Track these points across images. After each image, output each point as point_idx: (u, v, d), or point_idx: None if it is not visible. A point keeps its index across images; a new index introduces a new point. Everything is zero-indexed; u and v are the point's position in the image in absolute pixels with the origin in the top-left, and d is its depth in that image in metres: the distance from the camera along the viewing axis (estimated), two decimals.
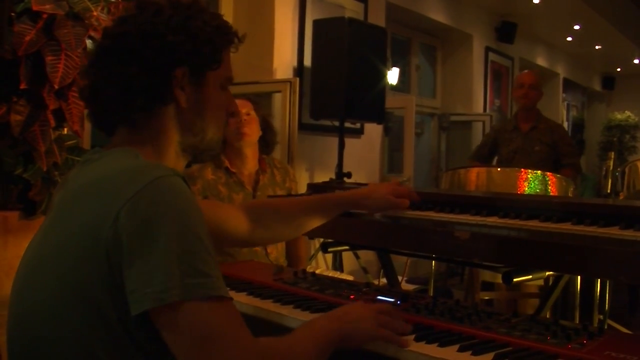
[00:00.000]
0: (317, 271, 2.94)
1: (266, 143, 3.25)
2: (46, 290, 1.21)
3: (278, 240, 2.38)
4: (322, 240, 4.15)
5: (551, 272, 1.84)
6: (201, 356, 1.14)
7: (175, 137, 1.37)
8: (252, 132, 3.14)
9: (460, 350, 1.31)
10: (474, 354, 1.29)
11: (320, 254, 4.74)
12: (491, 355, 1.28)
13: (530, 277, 1.65)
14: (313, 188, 2.35)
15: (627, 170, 3.52)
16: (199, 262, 1.15)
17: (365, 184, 2.06)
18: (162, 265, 1.12)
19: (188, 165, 1.50)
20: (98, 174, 1.27)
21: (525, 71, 5.07)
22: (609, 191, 3.46)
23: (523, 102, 4.67)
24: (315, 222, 1.85)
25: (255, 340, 1.20)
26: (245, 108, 3.13)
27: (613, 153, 3.54)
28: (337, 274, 3.97)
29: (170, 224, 1.14)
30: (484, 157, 4.93)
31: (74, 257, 1.18)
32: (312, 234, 1.99)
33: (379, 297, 1.70)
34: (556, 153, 4.58)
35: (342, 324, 1.34)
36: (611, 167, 3.46)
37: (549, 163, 4.50)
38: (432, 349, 1.32)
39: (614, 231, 1.51)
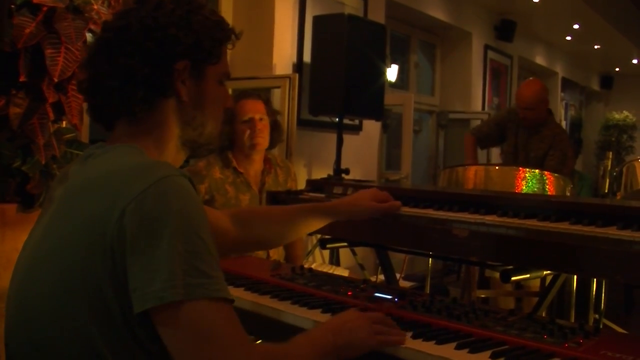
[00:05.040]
0: (314, 265, 2.94)
1: (271, 141, 3.23)
2: (48, 284, 1.21)
3: (264, 247, 2.38)
4: (319, 236, 4.16)
5: (548, 271, 1.85)
6: (199, 357, 1.14)
7: (175, 131, 1.38)
8: (265, 140, 3.13)
9: (458, 348, 1.32)
10: (471, 352, 1.30)
11: (317, 249, 4.75)
12: (488, 353, 1.29)
13: (528, 275, 1.65)
14: (312, 184, 2.35)
15: (624, 170, 3.53)
16: (201, 262, 1.16)
17: (366, 181, 2.07)
18: (165, 265, 1.12)
19: (186, 161, 1.50)
20: (103, 169, 1.27)
21: (527, 82, 4.79)
22: (606, 191, 3.46)
23: (525, 123, 4.58)
24: (302, 231, 1.85)
25: (253, 345, 1.22)
26: (258, 113, 3.10)
27: (611, 153, 3.55)
28: (332, 268, 3.98)
29: (174, 224, 1.15)
30: (485, 138, 4.81)
31: (79, 251, 1.18)
32: None
33: (377, 294, 1.71)
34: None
35: (337, 337, 1.33)
36: (609, 167, 3.46)
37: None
38: (429, 347, 1.33)
39: (612, 231, 1.52)
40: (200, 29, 1.35)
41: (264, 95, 3.27)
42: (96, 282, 1.16)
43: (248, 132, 3.07)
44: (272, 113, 3.23)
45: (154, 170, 1.20)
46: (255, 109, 3.09)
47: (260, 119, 3.09)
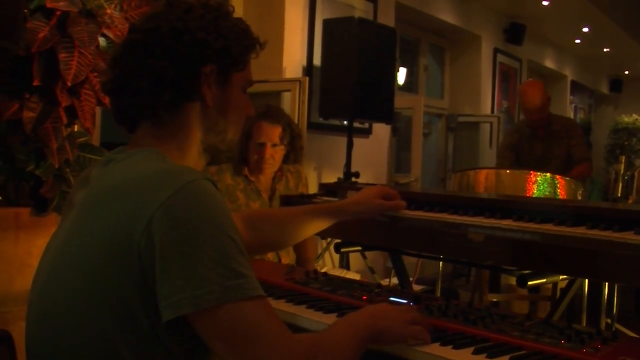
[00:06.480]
0: (325, 269, 2.92)
1: (287, 158, 3.20)
2: (70, 290, 1.21)
3: (273, 248, 2.39)
4: (329, 239, 4.15)
5: (564, 276, 1.84)
6: (246, 357, 1.15)
7: (198, 135, 1.39)
8: (272, 167, 3.11)
9: (475, 352, 1.31)
10: (489, 356, 1.29)
11: (327, 253, 4.75)
12: (506, 358, 1.29)
13: (544, 280, 1.65)
14: (325, 188, 2.35)
15: (636, 174, 3.52)
16: (235, 263, 1.16)
17: (374, 184, 2.06)
18: (198, 270, 1.12)
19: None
20: (126, 175, 1.27)
21: (530, 85, 4.79)
22: (619, 195, 3.45)
23: (535, 126, 4.58)
24: (309, 231, 1.85)
25: (297, 337, 1.22)
26: (272, 139, 3.05)
27: (624, 157, 3.53)
28: (344, 272, 3.97)
29: (204, 229, 1.15)
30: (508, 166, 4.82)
31: (102, 258, 1.18)
32: (323, 234, 1.99)
33: (392, 299, 1.71)
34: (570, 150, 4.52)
35: (376, 320, 1.34)
36: (622, 171, 3.45)
37: (570, 164, 4.47)
38: (447, 351, 1.32)
39: (629, 236, 1.51)
40: (228, 34, 1.36)
41: (286, 118, 3.16)
42: (119, 289, 1.16)
43: (256, 156, 3.06)
44: (293, 135, 3.15)
45: (179, 175, 1.20)
46: (269, 135, 3.04)
47: (273, 145, 3.05)
